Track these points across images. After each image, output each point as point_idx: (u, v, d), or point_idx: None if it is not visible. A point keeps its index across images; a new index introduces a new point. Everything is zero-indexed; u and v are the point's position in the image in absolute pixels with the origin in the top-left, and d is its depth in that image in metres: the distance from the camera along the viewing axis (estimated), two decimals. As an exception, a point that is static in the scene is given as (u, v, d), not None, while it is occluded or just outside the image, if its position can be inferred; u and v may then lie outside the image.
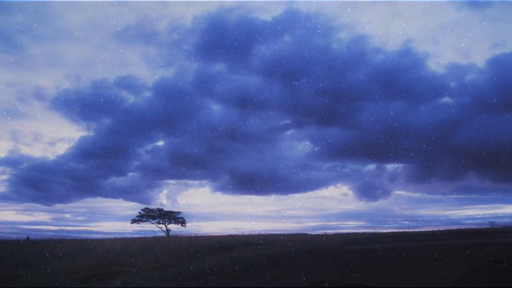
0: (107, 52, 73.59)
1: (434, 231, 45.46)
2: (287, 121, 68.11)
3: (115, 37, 67.87)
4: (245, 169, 62.90)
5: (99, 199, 64.38)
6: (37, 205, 63.31)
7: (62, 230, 55.52)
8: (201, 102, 64.67)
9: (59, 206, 67.93)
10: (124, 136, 65.77)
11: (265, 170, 62.79)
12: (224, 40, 58.15)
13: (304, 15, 60.93)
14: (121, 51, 70.25)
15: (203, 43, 57.81)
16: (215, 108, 66.21)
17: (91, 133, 66.18)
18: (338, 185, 69.88)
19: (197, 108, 64.48)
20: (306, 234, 48.58)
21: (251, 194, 70.08)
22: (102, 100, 61.25)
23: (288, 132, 70.54)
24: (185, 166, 65.32)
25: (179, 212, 58.00)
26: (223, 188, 70.51)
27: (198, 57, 63.62)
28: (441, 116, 55.45)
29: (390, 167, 64.81)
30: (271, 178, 61.29)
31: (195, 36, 58.86)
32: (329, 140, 63.79)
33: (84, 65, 79.01)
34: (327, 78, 58.98)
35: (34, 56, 68.68)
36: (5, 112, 65.92)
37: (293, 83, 60.25)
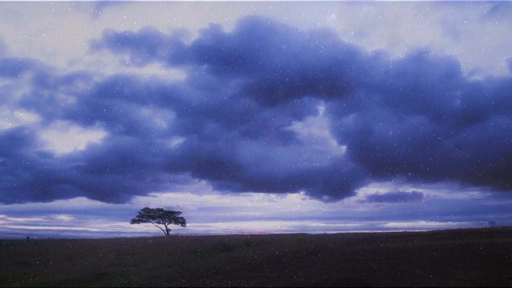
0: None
1: (434, 230, 45.51)
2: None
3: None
4: (245, 168, 62.91)
5: (98, 200, 64.34)
6: (33, 204, 63.32)
7: (62, 230, 55.57)
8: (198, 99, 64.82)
9: (57, 205, 67.98)
10: (121, 136, 66.05)
11: (266, 169, 62.84)
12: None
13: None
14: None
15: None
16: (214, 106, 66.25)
17: (87, 135, 66.53)
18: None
19: (193, 105, 64.72)
20: (306, 234, 48.62)
21: (251, 193, 70.01)
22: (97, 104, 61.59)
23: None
24: (185, 165, 65.30)
25: (179, 212, 58.06)
26: (223, 188, 70.50)
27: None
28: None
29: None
30: (271, 177, 61.34)
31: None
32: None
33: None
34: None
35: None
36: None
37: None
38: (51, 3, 57.70)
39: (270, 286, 10.39)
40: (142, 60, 66.67)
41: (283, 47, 58.11)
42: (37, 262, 17.14)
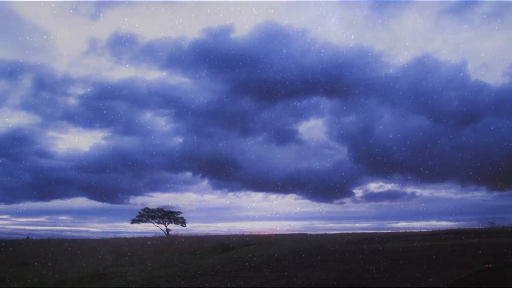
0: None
1: (434, 231, 45.51)
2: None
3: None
4: (245, 169, 62.97)
5: (98, 200, 64.42)
6: (33, 204, 63.53)
7: (62, 230, 55.65)
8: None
9: (57, 205, 68.04)
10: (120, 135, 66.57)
11: (266, 169, 62.94)
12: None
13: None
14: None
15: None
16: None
17: (88, 136, 67.24)
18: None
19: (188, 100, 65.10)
20: (306, 235, 48.59)
21: (251, 193, 70.09)
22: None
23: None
24: (185, 165, 65.42)
25: (179, 212, 58.03)
26: (223, 188, 70.58)
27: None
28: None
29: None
30: (271, 178, 61.43)
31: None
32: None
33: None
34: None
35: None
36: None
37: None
38: (53, 5, 58.03)
39: (269, 286, 10.38)
40: (141, 62, 66.97)
41: (284, 50, 58.54)
42: (37, 262, 17.13)
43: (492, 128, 54.10)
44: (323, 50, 60.16)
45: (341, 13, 71.74)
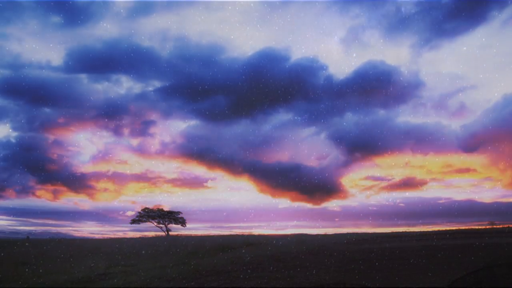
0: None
1: (434, 231, 45.54)
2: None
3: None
4: (247, 169, 63.16)
5: (100, 200, 64.58)
6: (34, 204, 63.70)
7: (62, 230, 55.75)
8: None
9: (58, 205, 68.09)
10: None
11: (267, 169, 63.06)
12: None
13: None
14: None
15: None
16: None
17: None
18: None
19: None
20: (306, 235, 48.58)
21: (252, 193, 70.19)
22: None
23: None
24: (185, 164, 65.57)
25: (179, 212, 57.95)
26: (223, 186, 70.65)
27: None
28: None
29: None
30: (272, 177, 61.53)
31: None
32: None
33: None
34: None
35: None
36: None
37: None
38: (60, 16, 58.58)
39: (270, 286, 10.40)
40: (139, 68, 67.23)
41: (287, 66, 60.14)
42: (37, 262, 17.14)
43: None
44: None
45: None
